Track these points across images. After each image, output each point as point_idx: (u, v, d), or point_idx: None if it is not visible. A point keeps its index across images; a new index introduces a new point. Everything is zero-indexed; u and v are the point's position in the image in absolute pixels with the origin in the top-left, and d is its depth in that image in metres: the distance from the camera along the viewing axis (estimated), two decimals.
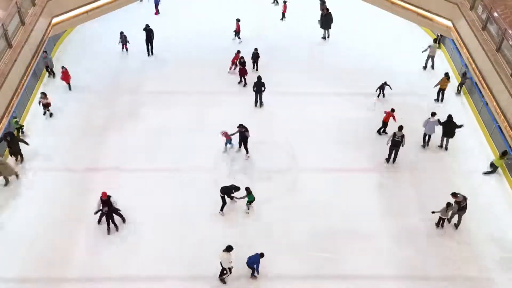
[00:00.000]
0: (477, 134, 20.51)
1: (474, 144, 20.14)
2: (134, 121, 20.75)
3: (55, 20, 19.51)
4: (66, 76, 21.81)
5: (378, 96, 22.24)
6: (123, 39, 23.98)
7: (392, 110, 20.06)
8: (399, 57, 24.44)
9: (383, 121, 20.16)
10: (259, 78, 20.97)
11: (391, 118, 19.99)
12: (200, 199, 17.63)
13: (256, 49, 23.06)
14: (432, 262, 15.94)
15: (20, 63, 16.52)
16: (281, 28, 26.34)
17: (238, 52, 22.99)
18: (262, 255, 14.92)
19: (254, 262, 14.92)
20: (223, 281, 15.16)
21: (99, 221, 16.56)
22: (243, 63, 22.22)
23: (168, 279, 15.36)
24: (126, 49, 24.20)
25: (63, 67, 21.65)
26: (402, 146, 18.44)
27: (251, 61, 23.15)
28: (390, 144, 18.50)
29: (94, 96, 21.84)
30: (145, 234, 16.52)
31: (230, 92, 22.25)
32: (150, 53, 23.08)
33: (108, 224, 16.24)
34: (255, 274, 15.19)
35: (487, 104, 18.81)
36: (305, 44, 25.35)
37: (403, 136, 18.22)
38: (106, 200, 15.90)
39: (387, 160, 19.00)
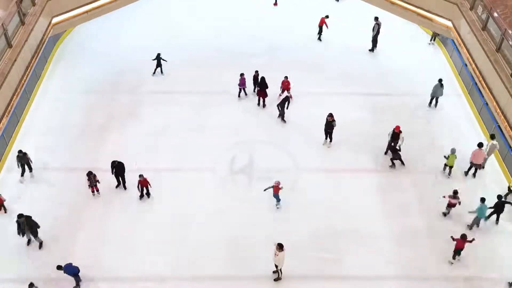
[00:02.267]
0: (478, 136, 20.55)
1: (474, 145, 20.15)
2: (134, 121, 20.73)
3: (55, 20, 19.53)
4: None
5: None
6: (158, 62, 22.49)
7: (327, 16, 24.61)
8: (399, 57, 24.44)
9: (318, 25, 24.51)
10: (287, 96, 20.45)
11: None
12: (200, 199, 17.62)
13: (256, 71, 21.29)
14: (432, 263, 15.94)
15: (20, 63, 16.53)
16: (282, 28, 26.29)
17: None
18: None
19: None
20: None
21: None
22: (261, 84, 20.71)
23: (168, 280, 15.35)
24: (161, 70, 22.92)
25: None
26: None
27: (252, 84, 21.54)
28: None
29: (94, 96, 21.82)
30: (145, 234, 16.51)
31: (230, 92, 22.22)
32: (123, 187, 17.95)
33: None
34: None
35: (487, 104, 18.82)
36: (306, 44, 25.35)
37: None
38: None
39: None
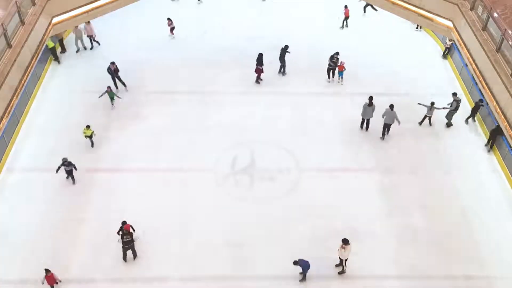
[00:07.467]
0: (478, 136, 20.55)
1: (474, 143, 20.19)
2: (135, 121, 20.72)
3: (55, 20, 19.48)
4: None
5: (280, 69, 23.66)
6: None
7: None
8: (399, 57, 24.45)
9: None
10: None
11: None
12: (201, 199, 17.62)
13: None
14: (433, 262, 15.96)
15: (20, 63, 16.50)
16: (282, 28, 26.30)
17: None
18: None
19: None
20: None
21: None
22: (259, 60, 22.20)
23: (169, 280, 15.35)
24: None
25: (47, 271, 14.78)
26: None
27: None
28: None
29: (95, 96, 21.77)
30: (145, 234, 16.48)
31: (230, 92, 22.22)
32: (124, 87, 22.09)
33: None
34: None
35: (487, 103, 18.82)
36: (306, 44, 25.34)
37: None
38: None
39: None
